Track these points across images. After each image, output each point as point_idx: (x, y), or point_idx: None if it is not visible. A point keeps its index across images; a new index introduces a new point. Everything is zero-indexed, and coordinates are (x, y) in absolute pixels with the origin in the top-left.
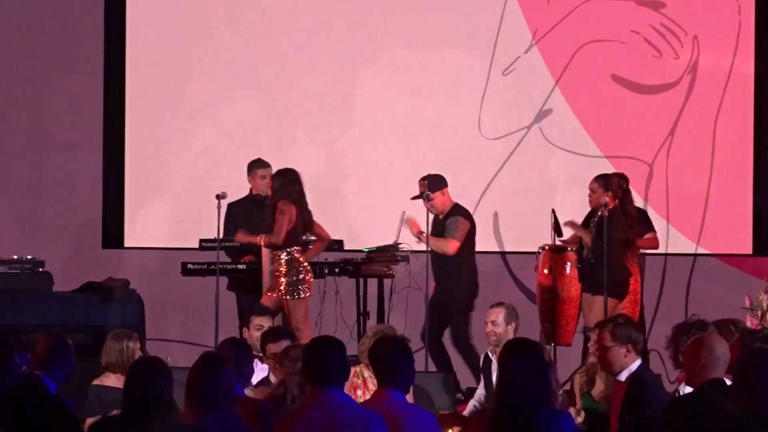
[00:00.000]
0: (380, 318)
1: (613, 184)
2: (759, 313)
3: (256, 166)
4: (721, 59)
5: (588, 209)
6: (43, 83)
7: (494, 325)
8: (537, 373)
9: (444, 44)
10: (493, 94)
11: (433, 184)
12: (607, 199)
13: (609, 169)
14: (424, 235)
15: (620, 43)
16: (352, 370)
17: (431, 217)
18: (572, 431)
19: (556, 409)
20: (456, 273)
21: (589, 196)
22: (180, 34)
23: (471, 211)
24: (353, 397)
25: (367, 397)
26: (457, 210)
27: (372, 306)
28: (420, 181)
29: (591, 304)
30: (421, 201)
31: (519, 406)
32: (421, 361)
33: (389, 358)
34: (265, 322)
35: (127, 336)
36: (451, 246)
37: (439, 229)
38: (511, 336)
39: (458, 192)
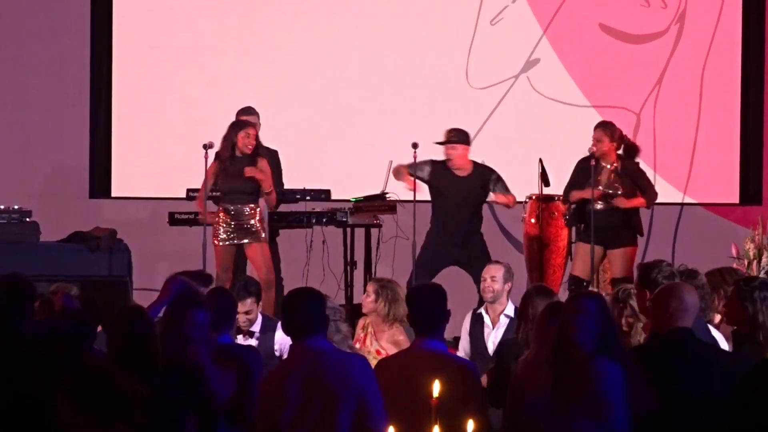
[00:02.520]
0: (367, 268)
1: (616, 134)
2: (745, 262)
3: (241, 113)
4: (708, 8)
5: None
6: (29, 32)
7: (493, 281)
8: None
9: None
10: (481, 44)
11: (462, 137)
12: (603, 149)
13: (596, 118)
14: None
15: None
16: (360, 322)
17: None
18: (622, 383)
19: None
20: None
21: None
22: None
23: None
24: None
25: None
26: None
27: (359, 256)
28: (448, 131)
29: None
30: (411, 152)
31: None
32: None
33: (432, 306)
34: (244, 308)
35: None
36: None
37: (456, 184)
38: (505, 296)
39: None
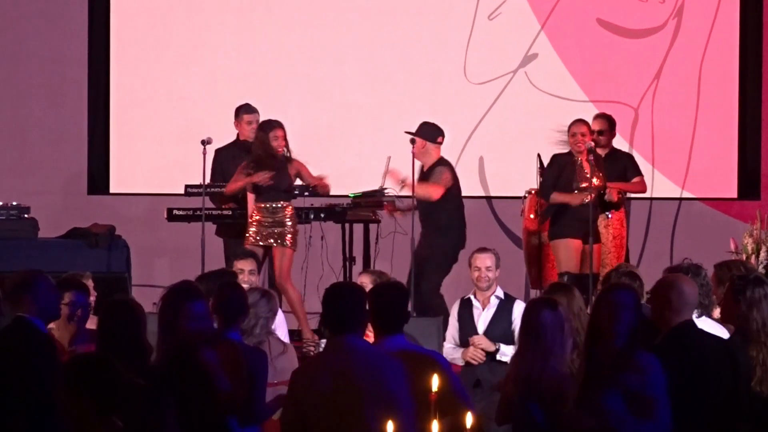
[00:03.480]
0: (366, 263)
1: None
2: (744, 257)
3: (243, 111)
4: (706, 2)
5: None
6: (28, 29)
7: (488, 270)
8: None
9: None
10: (479, 39)
11: (426, 132)
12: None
13: (594, 113)
14: (408, 181)
15: None
16: None
17: (417, 164)
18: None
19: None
20: (443, 226)
21: (597, 137)
22: None
23: (456, 155)
24: None
25: None
26: (443, 162)
27: (358, 251)
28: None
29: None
30: (409, 147)
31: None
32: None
33: (396, 304)
34: (247, 266)
35: None
36: (434, 190)
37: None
38: (495, 282)
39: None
